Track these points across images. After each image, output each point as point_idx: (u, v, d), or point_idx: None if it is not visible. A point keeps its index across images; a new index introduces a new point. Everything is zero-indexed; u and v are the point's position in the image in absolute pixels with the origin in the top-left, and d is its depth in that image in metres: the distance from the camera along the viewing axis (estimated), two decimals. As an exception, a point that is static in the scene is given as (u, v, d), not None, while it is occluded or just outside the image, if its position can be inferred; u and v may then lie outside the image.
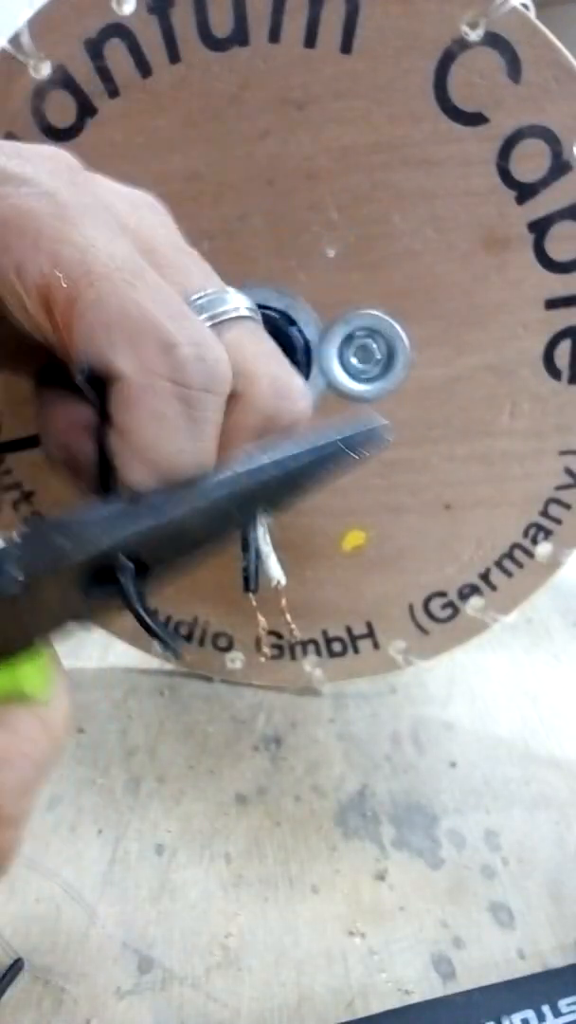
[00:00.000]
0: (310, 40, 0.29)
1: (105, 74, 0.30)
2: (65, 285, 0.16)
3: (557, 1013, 0.26)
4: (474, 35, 0.28)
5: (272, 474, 0.18)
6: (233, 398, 0.19)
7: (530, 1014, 0.26)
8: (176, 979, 0.28)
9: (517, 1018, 0.26)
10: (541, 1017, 0.26)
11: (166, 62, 0.30)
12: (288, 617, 0.33)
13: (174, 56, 0.29)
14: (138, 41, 0.29)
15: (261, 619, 0.32)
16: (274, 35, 0.29)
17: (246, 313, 0.20)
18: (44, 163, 0.18)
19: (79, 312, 0.17)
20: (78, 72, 0.30)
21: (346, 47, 0.29)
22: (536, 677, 0.43)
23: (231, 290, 0.20)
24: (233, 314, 0.19)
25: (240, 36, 0.29)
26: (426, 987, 0.28)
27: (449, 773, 0.37)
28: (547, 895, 0.31)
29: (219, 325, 0.19)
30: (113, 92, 0.30)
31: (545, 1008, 0.27)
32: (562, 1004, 0.27)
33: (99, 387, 0.17)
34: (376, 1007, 0.27)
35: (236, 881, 0.31)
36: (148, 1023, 0.27)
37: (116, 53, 0.30)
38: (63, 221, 0.17)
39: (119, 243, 0.18)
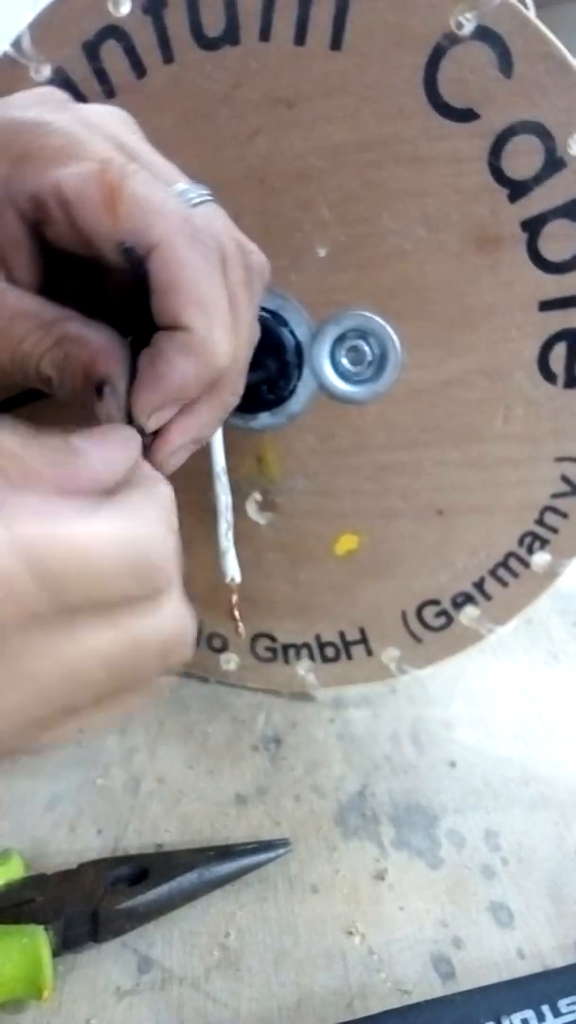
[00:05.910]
0: (300, 38, 0.29)
1: (102, 76, 0.30)
2: (108, 179, 0.22)
3: (557, 1013, 0.26)
4: (464, 29, 0.27)
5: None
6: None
7: (530, 1014, 0.26)
8: (176, 979, 0.28)
9: (517, 1018, 0.26)
10: (541, 1017, 0.26)
11: (160, 62, 0.30)
12: (237, 614, 0.33)
13: (168, 56, 0.30)
14: (133, 42, 0.30)
15: (237, 614, 0.33)
16: (264, 34, 0.29)
17: (208, 198, 0.25)
18: (39, 104, 0.23)
19: (123, 199, 0.22)
20: (76, 74, 0.30)
21: (335, 44, 0.29)
22: (536, 677, 0.43)
23: (192, 183, 0.25)
24: (201, 199, 0.25)
25: (231, 35, 0.29)
26: (425, 987, 0.28)
27: (449, 773, 0.37)
28: (547, 895, 0.31)
29: (194, 207, 0.25)
30: (110, 93, 0.31)
31: (545, 1008, 0.26)
32: (562, 1004, 0.26)
33: (138, 267, 0.22)
34: (375, 1007, 0.27)
35: (235, 881, 0.31)
36: (148, 1023, 0.27)
37: (112, 55, 0.30)
38: (79, 143, 0.22)
39: (117, 152, 0.23)
